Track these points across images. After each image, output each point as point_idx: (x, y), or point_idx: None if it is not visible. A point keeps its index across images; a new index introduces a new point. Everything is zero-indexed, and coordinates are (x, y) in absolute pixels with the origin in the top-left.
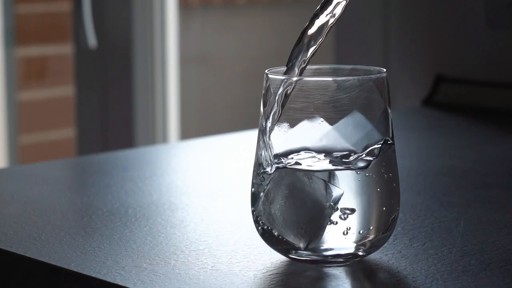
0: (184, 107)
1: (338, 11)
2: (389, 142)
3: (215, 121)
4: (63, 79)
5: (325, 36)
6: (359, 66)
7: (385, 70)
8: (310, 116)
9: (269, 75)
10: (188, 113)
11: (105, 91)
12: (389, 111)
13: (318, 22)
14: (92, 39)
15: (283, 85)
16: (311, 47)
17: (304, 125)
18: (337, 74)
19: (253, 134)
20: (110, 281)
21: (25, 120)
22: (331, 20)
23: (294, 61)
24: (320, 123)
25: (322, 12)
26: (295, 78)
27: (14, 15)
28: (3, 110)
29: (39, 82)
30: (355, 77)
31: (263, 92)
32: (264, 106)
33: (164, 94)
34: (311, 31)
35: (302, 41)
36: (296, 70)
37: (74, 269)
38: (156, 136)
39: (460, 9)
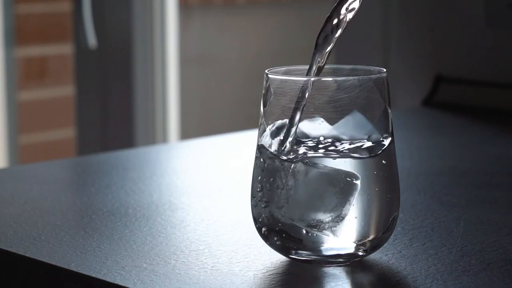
0: (184, 107)
1: None
2: (389, 142)
3: (215, 121)
4: (63, 79)
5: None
6: (359, 66)
7: (385, 70)
8: (310, 116)
9: (269, 75)
10: (188, 113)
11: (105, 91)
12: (389, 111)
13: (342, 9)
14: (92, 39)
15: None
16: (338, 29)
17: (304, 125)
18: (337, 74)
19: (253, 134)
20: (110, 281)
21: (25, 120)
22: (349, 15)
23: (322, 45)
24: (320, 123)
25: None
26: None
27: (14, 15)
28: (3, 110)
29: (39, 82)
30: (355, 77)
31: (263, 92)
32: (264, 106)
33: (164, 94)
34: (338, 13)
35: (327, 26)
36: (326, 50)
37: (74, 269)
38: (156, 136)
39: (460, 9)
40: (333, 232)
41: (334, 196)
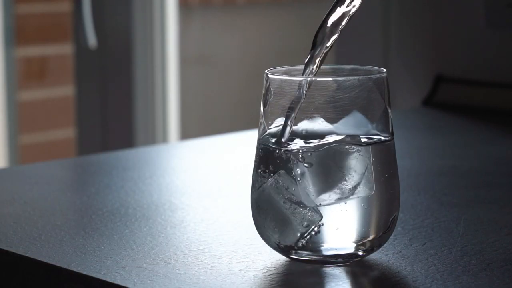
0: (184, 107)
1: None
2: (389, 142)
3: (215, 121)
4: (63, 79)
5: (346, 22)
6: (359, 66)
7: (385, 70)
8: (310, 116)
9: (269, 75)
10: (188, 113)
11: (105, 91)
12: (389, 111)
13: (340, 10)
14: (92, 39)
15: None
16: (334, 33)
17: (304, 125)
18: (337, 74)
19: (253, 134)
20: (110, 281)
21: (25, 120)
22: (353, 9)
23: (319, 45)
24: (320, 123)
25: (344, 1)
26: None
27: (14, 15)
28: (3, 110)
29: (39, 82)
30: (355, 77)
31: (263, 92)
32: (264, 106)
33: (164, 94)
34: (334, 17)
35: (324, 27)
36: (323, 51)
37: (74, 269)
38: (156, 136)
39: (460, 9)
40: (370, 188)
41: (344, 165)
